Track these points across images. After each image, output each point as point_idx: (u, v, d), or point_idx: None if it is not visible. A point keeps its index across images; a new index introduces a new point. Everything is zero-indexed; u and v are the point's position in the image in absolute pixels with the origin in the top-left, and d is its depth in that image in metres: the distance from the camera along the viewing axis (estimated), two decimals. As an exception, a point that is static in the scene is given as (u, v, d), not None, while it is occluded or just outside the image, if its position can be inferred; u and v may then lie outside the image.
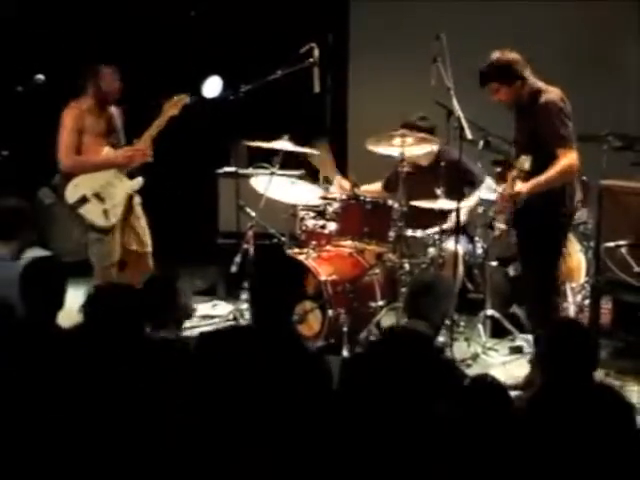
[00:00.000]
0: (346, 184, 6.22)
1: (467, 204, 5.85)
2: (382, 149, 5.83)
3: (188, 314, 4.19)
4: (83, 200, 5.48)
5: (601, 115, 6.60)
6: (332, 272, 5.73)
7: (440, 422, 2.95)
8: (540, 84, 5.03)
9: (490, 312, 5.92)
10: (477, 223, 6.06)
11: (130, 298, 3.68)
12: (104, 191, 5.53)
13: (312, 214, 6.18)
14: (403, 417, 2.97)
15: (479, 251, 6.08)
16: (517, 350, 5.67)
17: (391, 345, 3.67)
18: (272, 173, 6.20)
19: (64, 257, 5.61)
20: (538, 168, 4.90)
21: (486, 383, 3.04)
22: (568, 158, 4.88)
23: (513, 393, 3.33)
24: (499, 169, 5.98)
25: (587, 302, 6.08)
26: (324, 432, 2.96)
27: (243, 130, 6.75)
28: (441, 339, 5.44)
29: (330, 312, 5.63)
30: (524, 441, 2.91)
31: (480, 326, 5.88)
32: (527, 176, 4.92)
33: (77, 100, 5.60)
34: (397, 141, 5.73)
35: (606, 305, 5.93)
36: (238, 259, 6.16)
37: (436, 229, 5.83)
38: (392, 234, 5.77)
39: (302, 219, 6.16)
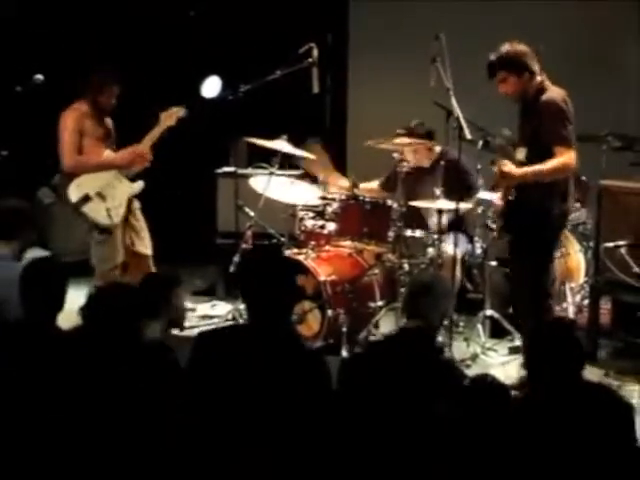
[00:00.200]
0: (344, 182, 6.21)
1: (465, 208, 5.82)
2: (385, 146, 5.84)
3: (179, 320, 4.17)
4: (86, 199, 5.49)
5: (601, 115, 6.60)
6: (331, 272, 5.73)
7: (440, 422, 2.95)
8: (547, 82, 5.04)
9: (489, 312, 5.92)
10: (476, 223, 6.05)
11: (130, 298, 3.69)
12: (106, 191, 5.55)
13: (311, 214, 6.17)
14: (403, 417, 2.97)
15: (478, 251, 6.08)
16: (516, 350, 5.65)
17: (390, 345, 3.67)
18: (271, 173, 6.20)
19: (64, 257, 5.64)
20: (534, 161, 4.92)
21: (486, 383, 3.05)
22: (565, 157, 4.88)
23: (513, 393, 3.33)
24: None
25: (586, 302, 6.09)
26: (323, 432, 2.96)
27: (242, 130, 6.75)
28: (440, 339, 5.45)
29: (329, 312, 5.62)
30: (521, 440, 2.91)
31: (479, 326, 5.88)
32: (521, 167, 4.95)
33: (76, 102, 5.60)
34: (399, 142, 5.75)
35: (605, 305, 5.94)
36: (237, 259, 6.16)
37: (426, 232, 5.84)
38: (391, 234, 5.78)
39: (301, 219, 6.15)
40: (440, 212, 5.73)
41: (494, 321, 5.91)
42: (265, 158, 6.51)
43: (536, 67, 5.01)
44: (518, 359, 5.51)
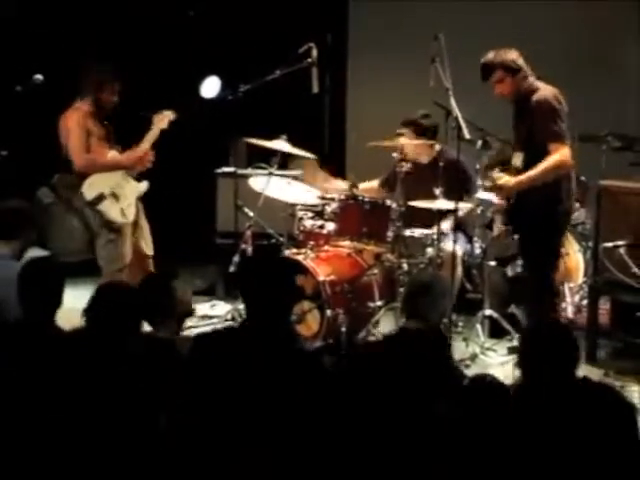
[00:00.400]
0: (344, 185, 6.20)
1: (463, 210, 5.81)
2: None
3: (188, 312, 4.19)
4: (101, 197, 5.52)
5: (601, 115, 6.60)
6: (330, 272, 5.72)
7: (440, 422, 2.95)
8: (538, 83, 5.11)
9: (488, 312, 5.91)
10: (476, 223, 6.05)
11: (131, 298, 3.69)
12: (118, 191, 5.59)
13: (310, 214, 6.17)
14: (402, 417, 2.97)
15: (477, 251, 6.08)
16: (515, 350, 5.64)
17: (390, 345, 3.67)
18: (270, 173, 6.20)
19: (64, 257, 5.64)
20: (530, 165, 4.96)
21: (486, 383, 3.04)
22: (560, 153, 4.95)
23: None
24: (498, 169, 5.99)
25: (585, 302, 6.08)
26: (323, 432, 2.95)
27: (241, 130, 6.75)
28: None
29: (328, 312, 5.62)
30: (521, 440, 2.91)
31: (478, 326, 5.88)
32: (518, 173, 5.01)
33: (77, 102, 5.60)
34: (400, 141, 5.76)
35: (604, 305, 5.94)
36: (237, 259, 6.16)
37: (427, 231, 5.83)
38: (390, 234, 5.77)
39: (300, 219, 6.15)
40: (441, 213, 5.73)
41: (493, 321, 5.91)
42: (265, 158, 6.51)
43: (528, 69, 5.11)
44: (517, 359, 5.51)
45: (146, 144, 5.73)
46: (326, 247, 5.97)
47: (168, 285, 4.01)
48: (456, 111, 5.36)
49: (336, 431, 2.92)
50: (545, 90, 5.06)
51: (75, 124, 5.51)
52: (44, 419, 3.21)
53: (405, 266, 5.77)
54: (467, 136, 5.37)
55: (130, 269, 5.63)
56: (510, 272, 6.06)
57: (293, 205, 6.21)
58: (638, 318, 5.44)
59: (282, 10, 7.70)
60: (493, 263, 6.10)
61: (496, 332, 5.90)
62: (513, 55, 5.10)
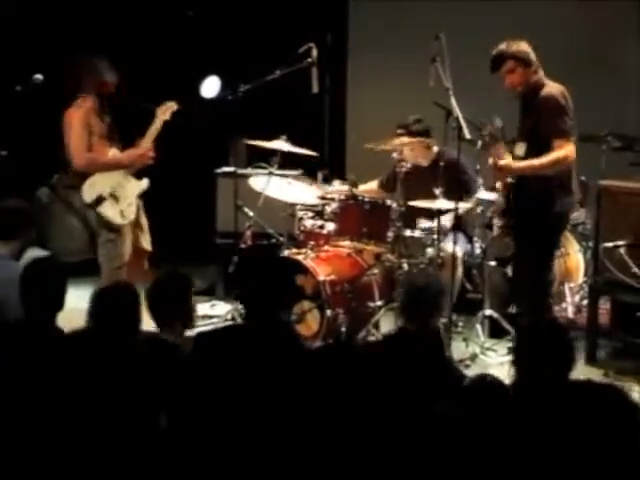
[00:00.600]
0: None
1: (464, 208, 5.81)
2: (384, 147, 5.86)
3: (192, 319, 4.18)
4: (100, 199, 5.50)
5: (601, 115, 6.60)
6: (330, 272, 5.72)
7: (440, 422, 2.94)
8: (545, 79, 5.15)
9: (488, 312, 5.91)
10: (476, 223, 6.05)
11: (132, 297, 3.69)
12: (118, 191, 5.56)
13: (310, 214, 6.17)
14: (402, 417, 2.97)
15: (477, 251, 6.08)
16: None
17: (390, 345, 3.67)
18: (270, 173, 6.20)
19: (64, 257, 5.63)
20: (532, 156, 4.99)
21: (486, 383, 3.04)
22: (564, 150, 4.98)
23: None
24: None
25: (585, 302, 6.08)
26: (323, 432, 2.95)
27: (241, 130, 6.75)
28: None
29: (328, 312, 5.62)
30: (521, 440, 2.90)
31: (478, 326, 5.88)
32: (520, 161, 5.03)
33: (79, 100, 5.58)
34: (397, 142, 5.75)
35: (604, 305, 5.94)
36: (236, 259, 6.16)
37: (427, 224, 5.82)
38: (390, 234, 5.77)
39: (300, 219, 6.15)
40: (440, 212, 5.73)
41: (493, 321, 5.90)
42: (264, 158, 6.51)
43: (537, 63, 5.13)
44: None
45: (148, 140, 5.68)
46: (326, 247, 5.97)
47: (185, 289, 4.01)
48: (456, 111, 5.36)
49: (337, 431, 2.91)
50: (552, 87, 5.09)
51: (77, 122, 5.48)
52: (45, 419, 3.21)
53: (405, 266, 5.76)
54: (467, 136, 5.38)
55: (129, 266, 5.62)
56: (510, 272, 6.06)
57: (293, 205, 6.21)
58: (638, 318, 5.44)
59: (282, 10, 7.69)
60: (493, 263, 6.10)
61: (496, 332, 5.90)
62: (526, 47, 5.11)
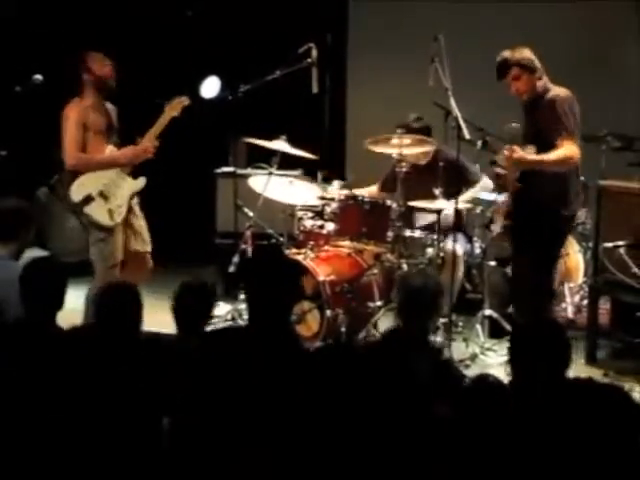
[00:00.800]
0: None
1: (463, 197, 5.80)
2: (381, 149, 5.85)
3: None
4: (88, 199, 5.44)
5: (601, 115, 6.59)
6: (330, 272, 5.72)
7: (440, 422, 2.94)
8: (550, 85, 5.15)
9: (488, 312, 5.91)
10: (475, 223, 6.05)
11: (134, 297, 3.69)
12: (108, 190, 5.50)
13: (310, 214, 6.17)
14: (402, 417, 2.97)
15: (477, 251, 6.08)
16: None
17: (390, 346, 3.67)
18: (270, 173, 6.20)
19: (63, 257, 5.62)
20: None
21: (487, 383, 3.04)
22: (568, 149, 4.98)
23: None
24: (498, 169, 5.99)
25: (585, 302, 6.09)
26: (324, 433, 2.95)
27: (241, 130, 6.75)
28: (439, 339, 5.45)
29: (328, 312, 5.62)
30: (521, 440, 2.90)
31: (478, 326, 5.88)
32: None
33: (78, 97, 5.57)
34: (395, 141, 5.74)
35: (604, 305, 5.94)
36: (236, 259, 6.16)
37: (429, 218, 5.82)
38: (390, 234, 5.77)
39: (300, 219, 6.15)
40: (440, 212, 5.73)
41: (493, 321, 5.90)
42: (264, 158, 6.51)
43: (542, 70, 5.14)
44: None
45: (152, 135, 5.62)
46: (326, 247, 5.97)
47: (211, 296, 4.02)
48: (456, 111, 5.36)
49: (337, 432, 2.91)
50: (560, 90, 5.12)
51: (71, 120, 5.42)
52: (45, 419, 3.21)
53: (405, 266, 5.76)
54: (467, 136, 5.38)
55: (127, 268, 5.60)
56: (510, 272, 6.06)
57: (293, 205, 6.21)
58: (638, 318, 5.44)
59: (282, 10, 7.69)
60: (493, 263, 6.10)
61: (496, 332, 5.89)
62: (530, 54, 5.13)
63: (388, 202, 5.84)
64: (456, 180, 5.59)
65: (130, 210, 5.64)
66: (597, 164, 6.14)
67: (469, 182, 5.97)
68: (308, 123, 7.36)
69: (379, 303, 5.77)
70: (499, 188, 5.93)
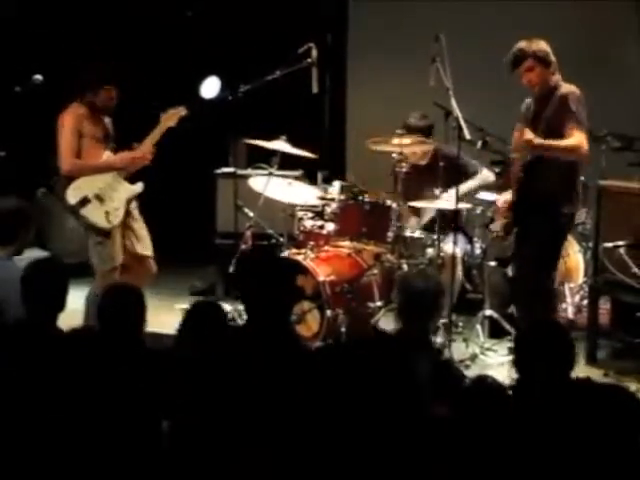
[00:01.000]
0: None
1: (463, 187, 5.77)
2: (382, 148, 5.85)
3: None
4: (84, 201, 5.44)
5: (601, 115, 6.58)
6: (330, 272, 5.72)
7: (440, 423, 2.94)
8: (562, 82, 5.17)
9: (489, 312, 5.91)
10: (475, 223, 6.05)
11: (137, 299, 3.69)
12: (104, 193, 5.49)
13: (310, 214, 6.17)
14: (402, 418, 2.97)
15: (478, 251, 6.08)
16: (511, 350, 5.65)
17: (390, 346, 3.67)
18: (270, 174, 6.20)
19: (64, 258, 5.62)
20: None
21: (485, 384, 3.04)
22: (578, 138, 4.99)
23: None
24: (497, 169, 6.00)
25: (585, 302, 6.08)
26: (322, 432, 2.95)
27: (241, 131, 6.75)
28: (439, 340, 5.45)
29: (328, 312, 5.62)
30: (521, 441, 2.90)
31: (479, 326, 5.88)
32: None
33: (74, 104, 5.56)
34: (396, 141, 5.75)
35: (604, 305, 5.94)
36: (237, 260, 6.15)
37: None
38: (390, 234, 5.77)
39: (300, 219, 6.15)
40: (440, 212, 5.73)
41: (493, 321, 5.91)
42: (264, 158, 6.51)
43: (556, 65, 5.16)
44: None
45: (148, 143, 5.64)
46: (326, 247, 5.97)
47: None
48: (456, 111, 5.36)
49: (337, 432, 2.91)
50: (571, 87, 5.14)
51: (66, 126, 5.43)
52: (45, 420, 3.21)
53: (405, 266, 5.76)
54: (467, 136, 5.38)
55: (131, 271, 5.59)
56: (510, 272, 6.06)
57: (293, 205, 6.21)
58: (638, 318, 5.44)
59: (282, 10, 7.69)
60: (493, 263, 6.10)
61: (496, 332, 5.90)
62: (546, 47, 5.12)
63: (388, 202, 5.84)
64: (457, 178, 5.58)
65: (129, 214, 5.64)
66: (597, 164, 6.13)
67: (469, 175, 5.96)
68: (308, 123, 7.36)
69: (379, 303, 5.77)
70: (500, 188, 5.92)
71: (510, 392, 3.18)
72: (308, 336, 5.63)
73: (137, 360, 3.47)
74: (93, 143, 5.51)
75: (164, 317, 4.39)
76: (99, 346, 3.50)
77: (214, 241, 7.11)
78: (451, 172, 5.64)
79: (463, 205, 5.70)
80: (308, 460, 2.90)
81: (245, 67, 6.75)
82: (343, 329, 5.60)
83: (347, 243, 5.92)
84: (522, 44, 5.12)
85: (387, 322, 5.75)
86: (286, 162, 6.32)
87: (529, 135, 4.99)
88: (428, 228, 5.96)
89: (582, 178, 5.96)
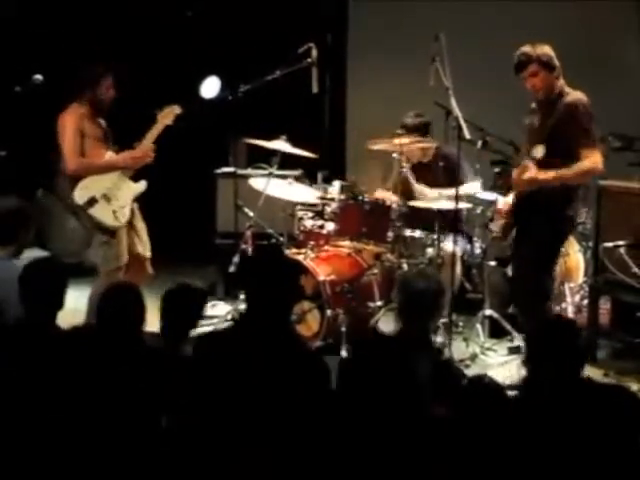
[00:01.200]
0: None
1: (445, 192, 5.77)
2: (382, 147, 5.85)
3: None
4: (92, 201, 5.46)
5: (601, 115, 6.58)
6: (330, 272, 5.72)
7: (438, 423, 2.94)
8: (566, 87, 5.10)
9: (489, 312, 5.92)
10: (475, 223, 6.05)
11: (136, 298, 3.69)
12: (111, 192, 5.52)
13: (310, 214, 6.18)
14: (402, 417, 2.97)
15: (477, 251, 6.08)
16: (516, 350, 5.65)
17: (389, 346, 3.67)
18: (270, 173, 6.20)
19: (63, 258, 5.62)
20: (549, 161, 4.96)
21: (483, 384, 3.04)
22: (592, 161, 4.94)
23: (511, 393, 3.33)
24: (497, 169, 6.00)
25: (585, 302, 6.08)
26: (322, 432, 2.95)
27: (241, 130, 6.75)
28: (439, 339, 5.45)
29: (328, 312, 5.62)
30: (522, 441, 2.90)
31: (479, 326, 5.88)
32: (538, 164, 4.99)
33: (73, 104, 5.57)
34: (396, 142, 5.75)
35: (605, 305, 5.93)
36: (236, 259, 6.16)
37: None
38: (390, 234, 5.78)
39: (300, 219, 6.15)
40: (440, 212, 5.72)
41: (493, 321, 5.91)
42: (265, 158, 6.51)
43: (560, 70, 5.09)
44: (517, 359, 5.51)
45: (147, 142, 5.66)
46: (326, 247, 5.98)
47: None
48: (456, 111, 5.36)
49: (337, 431, 2.92)
50: (577, 94, 5.05)
51: (69, 126, 5.45)
52: (45, 419, 3.21)
53: (405, 266, 5.76)
54: (467, 136, 5.38)
55: (129, 272, 5.59)
56: (510, 272, 6.06)
57: (293, 205, 6.21)
58: (638, 318, 5.44)
59: (282, 10, 7.69)
60: (493, 263, 6.10)
61: (496, 332, 5.90)
62: (550, 51, 5.06)
63: (388, 202, 5.84)
64: (454, 179, 5.58)
65: (132, 213, 5.66)
66: (597, 164, 6.12)
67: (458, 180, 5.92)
68: (308, 123, 7.36)
69: (379, 303, 5.78)
70: (500, 188, 5.92)
71: (509, 392, 3.18)
72: (308, 336, 5.63)
73: (136, 359, 3.47)
74: (95, 143, 5.53)
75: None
76: (98, 345, 3.50)
77: (214, 241, 7.11)
78: (450, 173, 5.65)
79: (463, 205, 5.70)
80: (308, 459, 2.90)
81: (245, 67, 6.74)
82: (343, 329, 5.60)
83: (347, 243, 5.93)
84: (526, 48, 5.05)
85: (387, 322, 5.76)
86: (286, 162, 6.33)
87: (531, 173, 4.96)
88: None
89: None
